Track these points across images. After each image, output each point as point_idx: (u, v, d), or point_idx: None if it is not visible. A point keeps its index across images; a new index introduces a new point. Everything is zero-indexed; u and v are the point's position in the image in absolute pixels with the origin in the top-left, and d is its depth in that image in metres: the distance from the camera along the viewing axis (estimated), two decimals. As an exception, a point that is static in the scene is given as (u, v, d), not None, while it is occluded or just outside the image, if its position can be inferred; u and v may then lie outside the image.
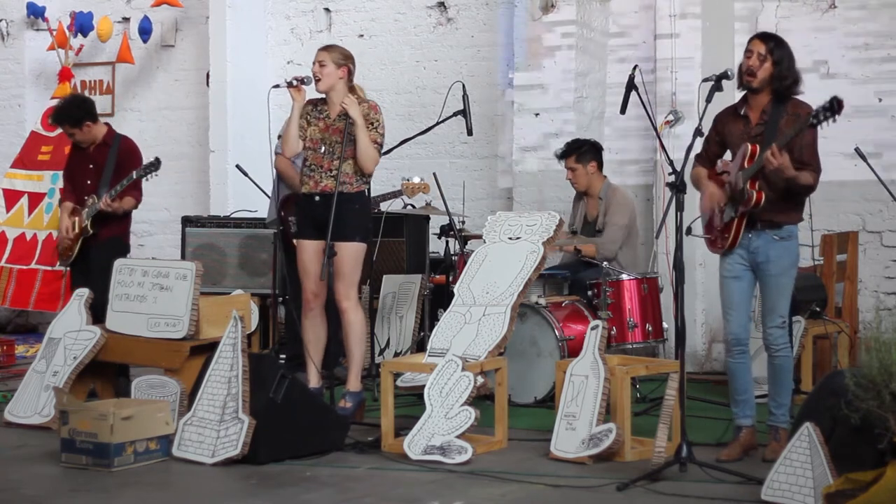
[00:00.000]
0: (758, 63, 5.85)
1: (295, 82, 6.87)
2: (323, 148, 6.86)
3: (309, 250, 6.89)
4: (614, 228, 8.06)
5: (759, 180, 5.79)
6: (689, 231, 5.97)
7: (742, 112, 5.98)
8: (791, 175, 5.73)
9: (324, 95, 6.93)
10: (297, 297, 7.97)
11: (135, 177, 7.61)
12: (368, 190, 7.01)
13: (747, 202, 5.79)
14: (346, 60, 6.92)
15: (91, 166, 7.81)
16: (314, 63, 6.90)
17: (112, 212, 7.63)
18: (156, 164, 7.62)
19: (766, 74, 5.86)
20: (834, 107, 5.49)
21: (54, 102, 10.54)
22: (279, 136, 8.03)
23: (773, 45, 5.89)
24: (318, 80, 6.87)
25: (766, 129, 5.85)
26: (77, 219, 7.76)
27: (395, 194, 8.48)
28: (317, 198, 6.85)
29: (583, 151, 8.18)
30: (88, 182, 7.79)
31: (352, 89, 6.93)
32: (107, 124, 7.98)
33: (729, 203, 5.90)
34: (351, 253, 6.81)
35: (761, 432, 6.11)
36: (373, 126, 6.85)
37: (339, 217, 6.70)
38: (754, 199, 5.76)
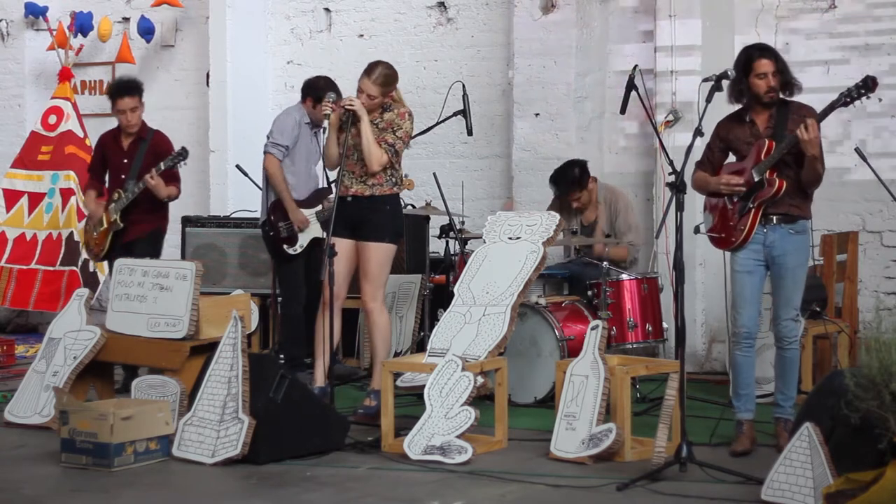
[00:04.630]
0: (774, 81, 6.02)
1: (333, 107, 6.87)
2: (356, 154, 6.89)
3: (338, 249, 6.88)
4: (635, 228, 8.18)
5: (777, 171, 5.96)
6: (696, 230, 6.10)
7: (747, 118, 6.10)
8: (816, 153, 5.88)
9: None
10: (292, 299, 8.01)
11: (163, 167, 7.79)
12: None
13: (768, 191, 5.94)
14: (387, 88, 6.89)
15: (125, 161, 7.98)
16: (360, 91, 6.84)
17: (158, 192, 7.81)
18: (182, 154, 7.86)
19: (779, 86, 6.04)
20: (868, 84, 5.76)
21: (54, 102, 10.61)
22: (268, 136, 8.09)
23: (775, 57, 6.08)
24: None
25: (774, 132, 6.01)
26: (105, 213, 7.88)
27: None
28: (349, 198, 6.88)
29: (577, 179, 8.13)
30: (122, 176, 7.96)
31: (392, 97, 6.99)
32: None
33: (744, 197, 6.01)
34: (380, 254, 6.92)
35: (761, 432, 6.15)
36: (391, 129, 6.89)
37: (370, 218, 6.86)
38: (776, 186, 5.93)
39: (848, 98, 5.84)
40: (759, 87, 6.01)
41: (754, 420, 6.14)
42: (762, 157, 5.96)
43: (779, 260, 6.03)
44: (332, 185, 7.74)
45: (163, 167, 7.80)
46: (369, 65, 6.98)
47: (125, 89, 8.01)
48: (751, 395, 6.15)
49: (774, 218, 6.01)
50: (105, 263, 8.31)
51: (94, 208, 8.06)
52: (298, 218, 7.91)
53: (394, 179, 6.99)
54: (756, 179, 5.96)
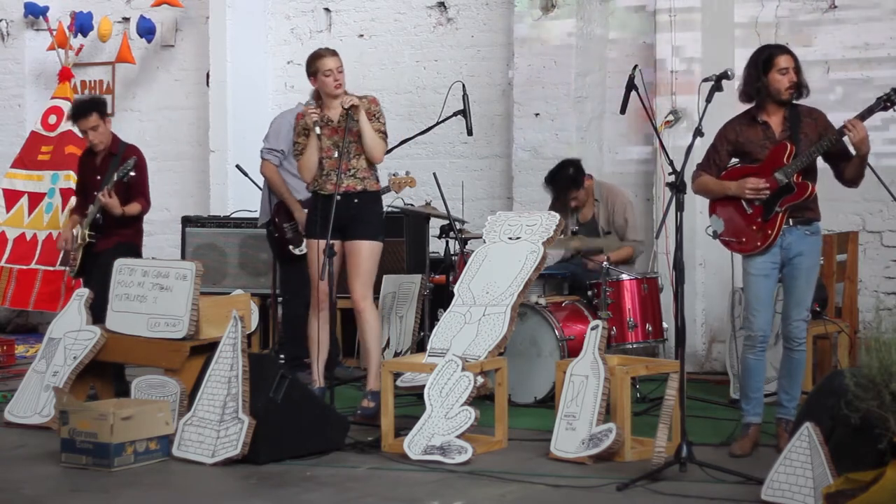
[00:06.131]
0: (795, 77, 6.01)
1: (319, 123, 6.87)
2: (336, 153, 6.88)
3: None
4: (633, 226, 8.14)
5: (799, 174, 5.96)
6: (714, 235, 6.06)
7: (760, 120, 6.06)
8: (868, 150, 5.91)
9: (312, 104, 6.97)
10: (296, 299, 7.99)
11: (115, 179, 7.53)
12: None
13: (798, 194, 5.92)
14: None
15: (98, 177, 7.79)
16: (330, 72, 6.85)
17: (112, 210, 7.57)
18: (128, 166, 7.54)
19: (797, 83, 6.03)
20: None
21: (54, 102, 10.62)
22: (264, 141, 8.11)
23: (793, 55, 6.06)
24: (338, 86, 6.88)
25: (791, 134, 5.99)
26: (81, 231, 7.75)
27: (383, 190, 8.50)
28: (338, 197, 6.84)
29: (573, 178, 8.09)
30: (95, 193, 7.74)
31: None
32: (113, 133, 7.95)
33: (768, 201, 5.97)
34: (373, 252, 6.91)
35: (762, 432, 6.14)
36: (375, 117, 6.90)
37: (362, 216, 6.84)
38: (808, 190, 5.93)
39: (888, 102, 5.82)
40: (780, 83, 5.97)
41: (761, 423, 6.13)
42: (785, 160, 5.91)
43: (795, 261, 6.00)
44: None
45: (115, 178, 7.53)
46: (327, 48, 7.06)
47: (81, 111, 7.76)
48: (760, 399, 6.11)
49: (791, 220, 5.98)
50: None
51: (65, 234, 7.90)
52: (303, 218, 7.91)
53: (377, 174, 7.03)
54: (783, 183, 5.92)
